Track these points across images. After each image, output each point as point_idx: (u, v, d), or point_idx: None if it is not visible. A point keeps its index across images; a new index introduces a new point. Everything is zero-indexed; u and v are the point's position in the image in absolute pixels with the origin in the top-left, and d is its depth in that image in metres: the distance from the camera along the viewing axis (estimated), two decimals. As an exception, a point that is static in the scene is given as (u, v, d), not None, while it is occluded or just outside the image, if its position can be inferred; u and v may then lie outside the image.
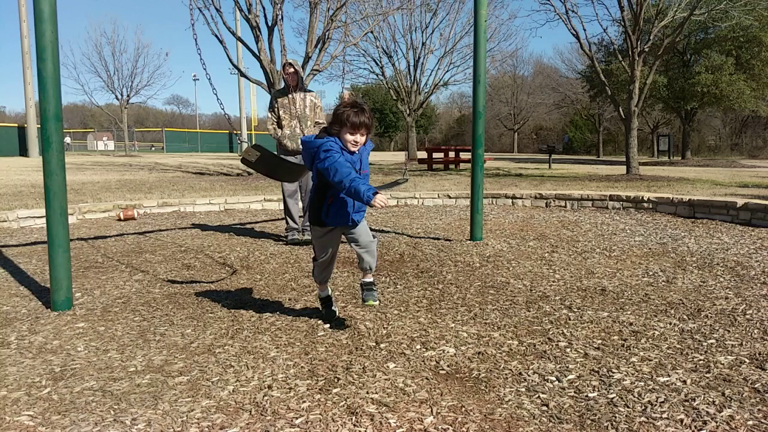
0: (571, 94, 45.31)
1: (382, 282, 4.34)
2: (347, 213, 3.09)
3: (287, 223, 6.07)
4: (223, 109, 4.76)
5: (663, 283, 4.28)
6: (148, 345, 3.06)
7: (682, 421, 2.22)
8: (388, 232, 6.57)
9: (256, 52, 13.88)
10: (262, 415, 2.29)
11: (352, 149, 2.95)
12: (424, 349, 2.97)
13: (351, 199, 2.98)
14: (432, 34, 25.20)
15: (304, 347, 3.01)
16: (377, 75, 26.96)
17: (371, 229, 3.30)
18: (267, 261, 5.12)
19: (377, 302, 3.26)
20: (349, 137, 2.92)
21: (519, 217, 7.87)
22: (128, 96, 34.17)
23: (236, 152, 38.88)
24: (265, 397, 2.44)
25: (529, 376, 2.63)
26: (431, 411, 2.31)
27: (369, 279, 3.29)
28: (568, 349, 2.95)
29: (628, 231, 6.63)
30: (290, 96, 5.89)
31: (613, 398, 2.41)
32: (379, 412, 2.30)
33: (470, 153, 6.01)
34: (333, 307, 3.46)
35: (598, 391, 2.48)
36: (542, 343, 3.04)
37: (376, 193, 2.74)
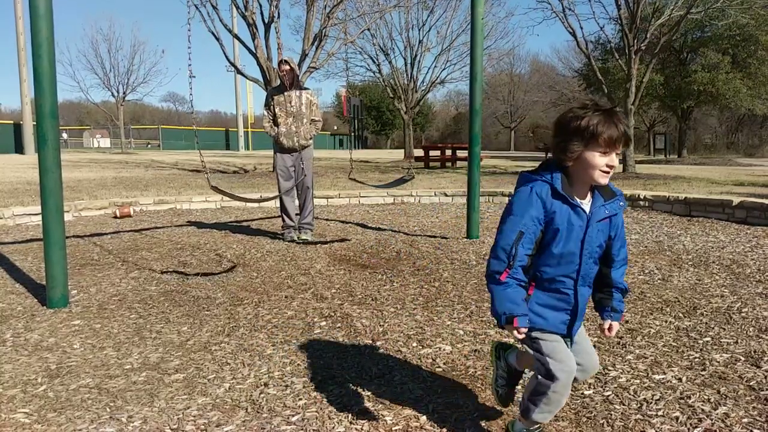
0: (567, 92, 45.30)
1: (378, 280, 4.34)
2: (564, 316, 1.86)
3: (283, 220, 6.07)
4: (194, 119, 4.81)
5: (659, 281, 4.29)
6: (144, 342, 3.05)
7: (677, 418, 2.23)
8: (385, 229, 6.56)
9: (253, 50, 13.84)
10: (258, 412, 2.29)
11: (602, 181, 1.76)
12: (421, 347, 2.97)
13: (579, 292, 1.86)
14: (429, 32, 25.16)
15: (300, 345, 3.01)
16: (374, 72, 26.90)
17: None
18: (263, 258, 5.12)
19: None
20: (599, 160, 1.73)
21: (515, 215, 7.86)
22: (124, 93, 34.00)
23: (233, 150, 38.85)
24: (262, 395, 2.44)
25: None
26: (427, 408, 2.31)
27: None
28: (564, 347, 2.95)
29: (625, 229, 6.63)
30: (286, 94, 5.88)
31: (608, 396, 2.42)
32: (375, 410, 2.30)
33: (467, 151, 6.01)
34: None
35: (594, 388, 2.49)
36: (538, 341, 3.05)
37: (513, 318, 1.72)
